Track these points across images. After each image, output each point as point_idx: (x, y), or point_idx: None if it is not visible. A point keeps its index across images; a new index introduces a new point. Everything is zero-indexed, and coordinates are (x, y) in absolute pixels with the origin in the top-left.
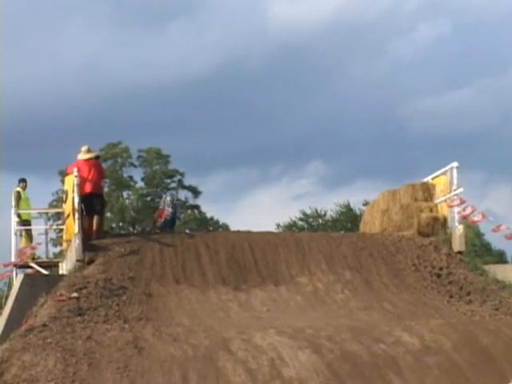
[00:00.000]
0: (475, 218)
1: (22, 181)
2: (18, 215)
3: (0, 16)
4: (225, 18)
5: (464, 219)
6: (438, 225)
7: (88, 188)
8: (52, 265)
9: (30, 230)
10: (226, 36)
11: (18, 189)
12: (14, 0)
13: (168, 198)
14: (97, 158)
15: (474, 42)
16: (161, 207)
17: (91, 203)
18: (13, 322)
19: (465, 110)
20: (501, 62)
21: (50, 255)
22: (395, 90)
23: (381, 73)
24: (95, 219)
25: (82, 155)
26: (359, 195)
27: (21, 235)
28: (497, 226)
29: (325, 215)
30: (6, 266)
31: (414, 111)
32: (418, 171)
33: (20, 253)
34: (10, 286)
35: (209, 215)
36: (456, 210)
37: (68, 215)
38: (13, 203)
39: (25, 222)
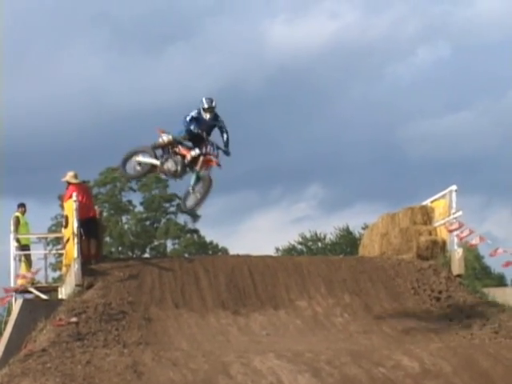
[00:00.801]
0: (473, 242)
1: (21, 205)
2: (17, 240)
3: (0, 39)
4: (223, 42)
5: (461, 241)
6: (437, 248)
7: (83, 213)
8: (51, 289)
9: (29, 254)
10: (224, 60)
11: (17, 214)
12: (13, 23)
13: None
14: (84, 182)
15: (474, 65)
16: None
17: (87, 228)
18: (12, 347)
19: (464, 133)
20: (500, 85)
21: (50, 280)
22: (394, 113)
23: (380, 96)
24: (92, 243)
25: (72, 179)
26: (358, 219)
27: (20, 260)
28: (494, 250)
29: (324, 239)
30: (7, 291)
31: (413, 134)
32: (417, 194)
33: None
34: (9, 311)
35: (208, 239)
36: (455, 233)
37: (68, 240)
38: (12, 228)
39: (24, 247)
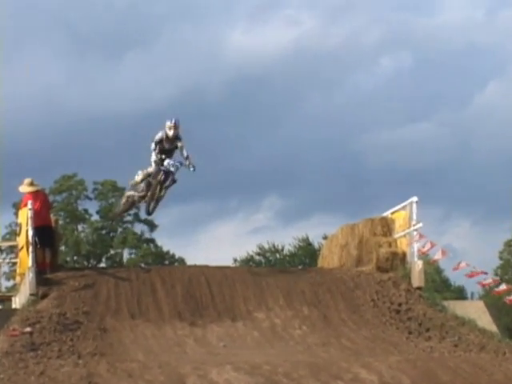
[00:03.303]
0: (436, 257)
1: None
2: None
3: None
4: (181, 50)
5: (423, 255)
6: (397, 260)
7: (38, 221)
8: (5, 299)
9: None
10: (182, 68)
11: None
12: None
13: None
14: (40, 190)
15: (435, 76)
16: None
17: (41, 236)
18: None
19: (423, 144)
20: (460, 96)
21: (3, 289)
22: (353, 123)
23: (339, 105)
24: (47, 252)
25: (27, 188)
26: (317, 230)
27: None
28: (457, 264)
29: (282, 250)
30: None
31: (373, 144)
32: (377, 205)
33: None
34: None
35: (165, 249)
36: (416, 245)
37: (21, 248)
38: None
39: None
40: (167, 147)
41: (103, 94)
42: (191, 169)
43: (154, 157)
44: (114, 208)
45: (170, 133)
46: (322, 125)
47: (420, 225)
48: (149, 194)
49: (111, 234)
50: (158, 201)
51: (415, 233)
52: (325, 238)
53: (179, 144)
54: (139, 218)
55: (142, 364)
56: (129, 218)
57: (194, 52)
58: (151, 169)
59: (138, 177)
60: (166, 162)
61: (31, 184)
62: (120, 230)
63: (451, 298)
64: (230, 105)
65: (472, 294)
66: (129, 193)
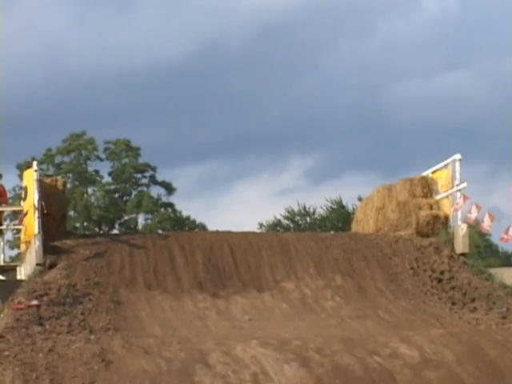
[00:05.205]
0: (484, 225)
1: None
2: None
3: None
4: None
5: (471, 223)
6: (439, 224)
7: None
8: (9, 269)
9: None
10: (200, 17)
11: None
12: None
13: None
14: None
15: (484, 22)
16: None
17: None
18: None
19: (463, 95)
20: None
21: (7, 259)
22: (386, 73)
23: (370, 54)
24: None
25: None
26: (350, 191)
27: None
28: (504, 232)
29: (313, 213)
30: None
31: (406, 96)
32: (415, 164)
33: None
34: None
35: (184, 214)
36: (459, 208)
37: (27, 214)
38: None
39: None
40: None
41: (116, 44)
42: None
43: None
44: None
45: None
46: (352, 75)
47: (464, 185)
48: None
49: (125, 198)
50: None
51: (459, 194)
52: (359, 200)
53: None
54: (156, 180)
55: (160, 339)
56: (144, 181)
57: (211, 1)
58: None
59: None
60: None
61: None
62: (134, 193)
63: (498, 264)
64: (249, 58)
65: None
66: None
